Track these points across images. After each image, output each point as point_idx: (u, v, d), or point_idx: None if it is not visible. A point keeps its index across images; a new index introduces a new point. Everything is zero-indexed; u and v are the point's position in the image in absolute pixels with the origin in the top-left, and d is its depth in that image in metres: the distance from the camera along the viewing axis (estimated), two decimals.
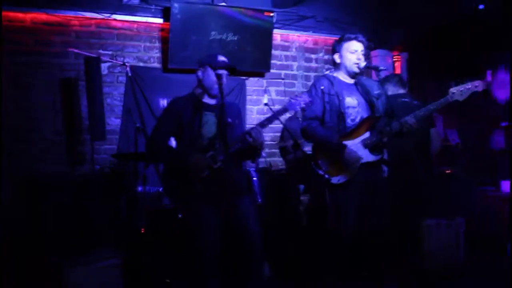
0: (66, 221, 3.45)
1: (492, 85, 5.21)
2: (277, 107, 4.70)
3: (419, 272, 3.81)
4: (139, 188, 4.19)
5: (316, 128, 3.17)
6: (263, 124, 2.94)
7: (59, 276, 3.07)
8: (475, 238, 4.25)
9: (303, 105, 2.94)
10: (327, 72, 3.49)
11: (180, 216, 3.61)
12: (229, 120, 2.99)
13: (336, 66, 3.40)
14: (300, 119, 4.85)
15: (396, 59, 5.87)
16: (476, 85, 3.14)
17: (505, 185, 4.57)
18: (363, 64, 3.23)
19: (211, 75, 3.00)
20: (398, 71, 5.86)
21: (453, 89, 3.16)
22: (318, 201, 3.72)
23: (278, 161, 5.21)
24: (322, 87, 3.25)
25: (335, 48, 3.35)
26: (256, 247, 2.98)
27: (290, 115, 5.30)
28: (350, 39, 3.26)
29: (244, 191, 3.10)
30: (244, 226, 2.96)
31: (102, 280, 3.20)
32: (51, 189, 3.63)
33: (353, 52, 3.23)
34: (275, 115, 2.96)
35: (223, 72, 2.98)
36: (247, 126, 4.54)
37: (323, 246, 3.27)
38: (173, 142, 3.12)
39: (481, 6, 4.16)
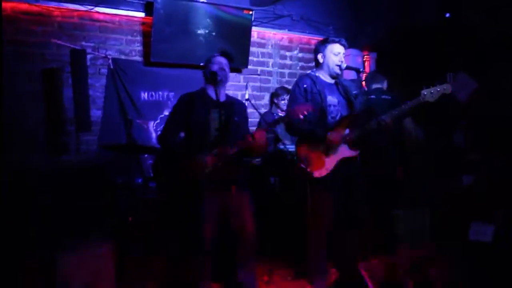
0: (53, 211, 3.53)
1: (454, 87, 5.57)
2: (255, 102, 4.93)
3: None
4: (125, 179, 4.33)
5: (302, 123, 3.39)
6: (267, 127, 3.13)
7: (51, 265, 3.16)
8: (439, 225, 4.64)
9: (305, 113, 3.12)
10: (308, 72, 3.71)
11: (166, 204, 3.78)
12: (236, 118, 3.18)
13: (318, 65, 3.63)
14: (274, 114, 5.08)
15: (365, 59, 6.17)
16: (444, 88, 3.45)
17: (466, 179, 4.98)
18: (344, 65, 3.49)
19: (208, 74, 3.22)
20: (367, 70, 6.16)
21: (424, 91, 3.45)
22: (298, 194, 3.96)
23: None
24: (305, 86, 3.47)
25: (319, 48, 3.58)
26: (251, 239, 3.18)
27: (265, 110, 5.53)
28: (334, 41, 3.50)
29: (243, 186, 3.28)
30: (241, 218, 3.16)
31: (94, 268, 3.32)
32: (37, 179, 3.69)
33: (336, 54, 3.48)
34: (278, 121, 3.16)
35: (219, 60, 3.20)
36: None
37: (303, 236, 3.51)
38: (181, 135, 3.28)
39: (447, 15, 4.50)
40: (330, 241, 3.46)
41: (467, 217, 4.63)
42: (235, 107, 3.30)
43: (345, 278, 3.37)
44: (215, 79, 3.17)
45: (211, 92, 3.24)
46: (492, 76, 5.50)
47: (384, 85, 4.62)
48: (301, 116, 3.11)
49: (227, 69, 3.29)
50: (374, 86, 4.60)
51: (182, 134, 3.33)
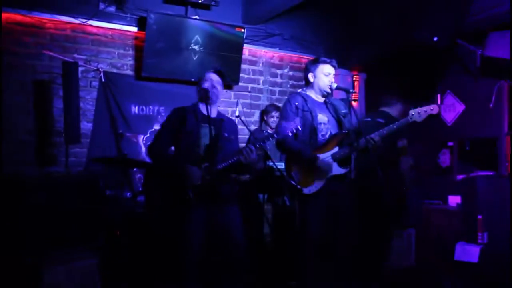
0: (41, 222, 3.49)
1: (441, 108, 5.68)
2: (245, 119, 4.97)
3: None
4: (114, 192, 4.32)
5: (292, 141, 3.43)
6: (257, 144, 3.16)
7: (37, 276, 3.15)
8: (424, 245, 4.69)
9: (294, 130, 3.16)
10: (299, 90, 3.76)
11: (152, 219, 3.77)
12: (226, 134, 3.22)
13: (308, 84, 3.69)
14: (264, 131, 5.13)
15: (355, 79, 6.27)
16: (431, 109, 3.52)
17: (452, 200, 5.03)
18: (334, 85, 3.55)
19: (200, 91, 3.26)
20: (356, 90, 6.26)
21: (412, 111, 3.53)
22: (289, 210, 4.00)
23: None
24: (296, 103, 3.52)
25: (310, 68, 3.63)
26: (239, 254, 3.18)
27: (255, 128, 5.57)
28: (325, 62, 3.56)
29: (232, 202, 3.29)
30: (228, 234, 3.16)
31: (79, 280, 3.31)
32: (26, 189, 3.66)
33: (327, 75, 3.54)
34: (268, 137, 3.19)
35: (210, 76, 3.26)
36: None
37: (292, 252, 3.52)
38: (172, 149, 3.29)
39: (435, 38, 4.61)
40: (317, 255, 3.47)
41: (452, 237, 4.69)
42: (225, 124, 3.35)
43: None
44: (207, 96, 3.21)
45: (202, 108, 3.28)
46: (478, 98, 5.62)
47: (392, 110, 4.63)
48: (290, 133, 3.14)
49: (219, 87, 3.34)
50: (381, 108, 4.67)
51: (172, 149, 3.35)
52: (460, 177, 5.34)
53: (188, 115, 3.25)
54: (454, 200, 5.03)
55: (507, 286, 3.75)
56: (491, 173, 5.16)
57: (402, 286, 3.70)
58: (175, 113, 3.31)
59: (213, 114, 3.31)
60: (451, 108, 5.96)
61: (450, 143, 5.84)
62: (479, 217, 4.68)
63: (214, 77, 3.33)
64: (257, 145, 3.13)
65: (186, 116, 3.24)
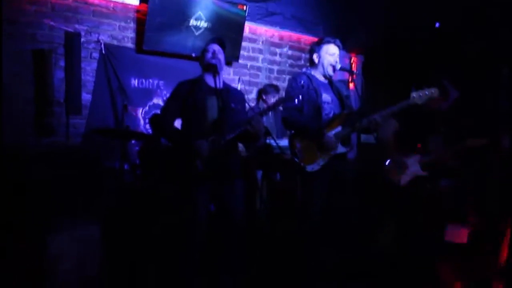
0: (44, 192, 3.50)
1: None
2: (246, 96, 4.99)
3: None
4: (113, 164, 4.35)
5: (297, 116, 3.47)
6: (263, 112, 3.19)
7: (42, 244, 3.17)
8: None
9: (300, 99, 3.21)
10: (304, 69, 3.79)
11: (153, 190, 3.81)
12: (233, 105, 3.23)
13: (312, 65, 3.72)
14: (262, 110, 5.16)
15: (353, 61, 6.32)
16: (433, 91, 3.59)
17: (444, 183, 5.15)
18: (338, 66, 3.59)
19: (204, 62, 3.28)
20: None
21: (413, 94, 3.58)
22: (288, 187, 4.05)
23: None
24: (302, 82, 3.56)
25: (314, 48, 3.66)
26: (239, 227, 3.25)
27: (253, 105, 5.60)
28: (329, 42, 3.59)
29: (237, 175, 3.32)
30: (232, 207, 3.21)
31: (82, 248, 3.34)
32: (27, 160, 3.67)
33: (332, 55, 3.58)
34: (274, 105, 3.22)
35: (212, 46, 3.29)
36: None
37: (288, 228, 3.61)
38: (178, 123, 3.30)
39: (437, 25, 4.65)
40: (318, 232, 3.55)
41: (443, 219, 4.82)
42: (232, 94, 3.34)
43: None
44: (210, 66, 3.24)
45: (208, 79, 3.29)
46: (473, 86, 5.70)
47: None
48: (297, 102, 3.19)
49: (220, 56, 3.32)
50: None
51: (178, 123, 3.37)
52: (452, 161, 5.45)
53: (194, 87, 3.25)
54: (446, 183, 5.15)
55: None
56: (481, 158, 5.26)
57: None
58: (181, 86, 3.32)
59: (219, 85, 3.31)
60: (445, 95, 6.04)
61: (443, 129, 5.93)
62: (470, 199, 4.82)
63: (215, 47, 3.33)
64: (264, 114, 3.16)
65: (191, 89, 3.25)
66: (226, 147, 3.12)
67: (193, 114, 3.18)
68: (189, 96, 3.20)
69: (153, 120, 3.33)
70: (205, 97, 3.21)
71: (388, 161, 4.17)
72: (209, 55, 3.29)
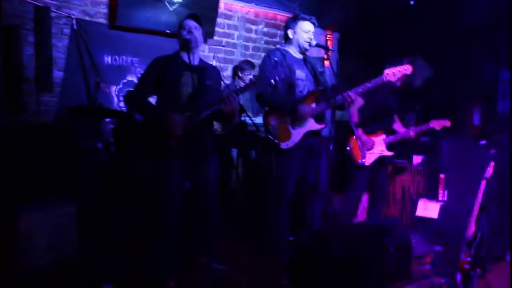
0: (16, 171, 3.45)
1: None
2: (221, 73, 4.96)
3: None
4: (87, 142, 4.29)
5: (272, 93, 3.47)
6: (239, 91, 3.18)
7: (15, 223, 3.14)
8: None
9: (273, 82, 3.20)
10: (278, 46, 3.78)
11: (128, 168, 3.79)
12: (208, 82, 3.21)
13: (287, 41, 3.71)
14: (238, 86, 5.13)
15: (328, 38, 6.31)
16: (405, 68, 3.62)
17: (416, 160, 5.27)
18: (314, 42, 3.59)
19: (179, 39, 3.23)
20: None
21: (387, 70, 3.61)
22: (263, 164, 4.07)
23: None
24: (276, 58, 3.54)
25: (289, 25, 3.65)
26: (213, 202, 3.27)
27: (229, 82, 5.56)
28: (305, 19, 3.58)
29: (212, 151, 3.32)
30: (206, 183, 3.22)
31: (56, 228, 3.32)
32: None
33: (307, 32, 3.57)
34: (250, 85, 3.21)
35: (187, 23, 3.25)
36: None
37: (268, 205, 3.64)
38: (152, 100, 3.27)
39: (412, 2, 4.66)
40: (291, 210, 3.60)
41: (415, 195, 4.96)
42: (208, 72, 3.33)
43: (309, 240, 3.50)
44: (185, 42, 3.21)
45: (184, 56, 3.26)
46: (447, 64, 5.77)
47: None
48: (273, 82, 3.18)
49: (195, 32, 3.28)
50: None
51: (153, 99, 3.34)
52: (424, 137, 5.56)
53: (169, 63, 3.22)
54: (417, 159, 5.27)
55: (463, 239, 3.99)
56: (454, 135, 5.39)
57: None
58: (156, 61, 3.28)
59: (195, 61, 3.29)
60: (420, 72, 6.11)
61: (418, 106, 6.03)
62: (442, 176, 4.94)
63: (191, 23, 3.29)
64: (239, 93, 3.16)
65: (167, 65, 3.22)
66: (200, 123, 3.11)
67: (168, 90, 3.16)
68: (164, 72, 3.17)
69: (128, 97, 3.29)
70: (180, 73, 3.19)
71: (352, 139, 4.23)
72: (184, 31, 3.26)
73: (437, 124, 4.41)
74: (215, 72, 3.44)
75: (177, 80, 3.17)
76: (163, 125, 3.05)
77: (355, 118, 4.23)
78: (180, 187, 3.16)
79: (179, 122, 3.06)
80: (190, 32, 3.24)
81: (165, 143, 3.07)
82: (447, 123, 4.41)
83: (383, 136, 4.32)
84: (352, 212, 4.38)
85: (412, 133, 4.39)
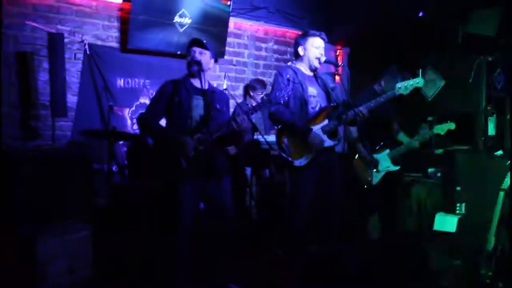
0: (33, 196, 3.45)
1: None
2: (233, 92, 5.00)
3: None
4: (101, 165, 4.34)
5: (284, 112, 3.48)
6: (249, 112, 3.20)
7: (31, 248, 3.16)
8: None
9: (286, 98, 3.23)
10: (289, 63, 3.80)
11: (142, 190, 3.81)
12: (217, 106, 3.25)
13: (298, 58, 3.73)
14: (249, 105, 5.15)
15: (338, 53, 6.33)
16: (417, 82, 3.62)
17: (431, 172, 5.21)
18: (323, 58, 3.60)
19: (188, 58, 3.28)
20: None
21: (398, 84, 3.61)
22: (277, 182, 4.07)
23: None
24: (288, 75, 3.56)
25: (299, 41, 3.67)
26: (231, 224, 3.27)
27: (241, 101, 5.59)
28: (315, 35, 3.60)
29: (224, 173, 3.34)
30: (220, 205, 3.23)
31: (72, 251, 3.35)
32: (15, 163, 3.61)
33: (317, 48, 3.59)
34: (260, 105, 3.23)
35: (193, 49, 3.27)
36: None
37: (278, 223, 3.63)
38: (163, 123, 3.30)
39: (420, 14, 4.68)
40: (309, 226, 3.58)
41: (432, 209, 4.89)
42: (217, 95, 3.38)
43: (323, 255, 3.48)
44: (191, 69, 3.28)
45: (193, 80, 3.31)
46: (458, 74, 5.75)
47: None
48: (281, 102, 3.19)
49: (202, 56, 3.30)
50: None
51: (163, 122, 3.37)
52: (438, 150, 5.51)
53: (179, 87, 3.27)
54: (433, 172, 5.21)
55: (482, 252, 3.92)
56: (468, 147, 5.34)
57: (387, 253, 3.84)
58: (166, 85, 3.33)
59: (204, 86, 3.32)
60: (432, 84, 6.10)
61: (430, 118, 5.98)
62: (458, 188, 4.87)
63: (196, 49, 3.32)
64: (250, 114, 3.18)
65: (177, 88, 3.27)
66: (211, 145, 3.13)
67: (178, 113, 3.21)
68: (174, 96, 3.22)
69: (140, 119, 3.33)
70: (190, 96, 3.24)
71: (355, 159, 4.23)
72: (190, 57, 3.30)
73: (440, 129, 4.33)
74: (224, 96, 3.49)
75: (187, 103, 3.21)
76: (175, 147, 3.08)
77: (355, 134, 4.26)
78: (191, 209, 3.17)
79: (190, 144, 3.09)
80: (195, 58, 3.28)
81: (177, 165, 3.09)
82: (451, 126, 4.34)
83: (387, 151, 4.31)
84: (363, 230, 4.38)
85: (416, 142, 4.36)
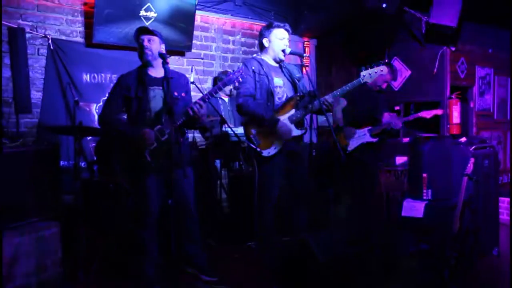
0: None
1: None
2: (201, 86, 4.97)
3: None
4: (68, 162, 4.28)
5: (252, 104, 3.50)
6: (205, 98, 3.20)
7: None
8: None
9: (239, 79, 3.22)
10: (254, 55, 3.81)
11: (111, 186, 3.78)
12: (175, 94, 3.22)
13: (263, 49, 3.75)
14: (218, 97, 5.16)
15: (306, 45, 6.38)
16: (381, 70, 3.68)
17: (399, 160, 5.32)
18: (288, 50, 3.63)
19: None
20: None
21: (363, 72, 3.67)
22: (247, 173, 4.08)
23: (197, 136, 5.44)
24: (253, 67, 3.58)
25: (264, 33, 3.69)
26: (190, 208, 3.29)
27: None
28: (279, 27, 3.62)
29: (187, 163, 3.33)
30: (181, 193, 3.22)
31: (41, 249, 3.29)
32: None
33: (281, 39, 3.61)
34: (216, 89, 3.23)
35: (141, 38, 3.27)
36: None
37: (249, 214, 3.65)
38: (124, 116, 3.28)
39: (384, 5, 4.76)
40: (277, 215, 3.62)
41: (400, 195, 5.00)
42: (174, 82, 3.23)
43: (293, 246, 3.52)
44: (141, 57, 3.27)
45: (148, 69, 3.27)
46: (424, 64, 5.88)
47: None
48: (236, 83, 3.23)
49: (152, 44, 3.27)
50: None
51: (124, 116, 3.35)
52: (406, 139, 5.63)
53: (134, 79, 3.24)
54: (401, 160, 5.32)
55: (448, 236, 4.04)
56: (434, 135, 5.46)
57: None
58: (121, 79, 3.30)
59: (159, 74, 3.28)
60: (398, 74, 6.21)
61: (397, 107, 6.12)
62: (424, 175, 4.99)
63: (143, 37, 3.29)
64: (206, 99, 3.18)
65: (132, 81, 3.23)
66: (173, 136, 3.11)
67: (137, 106, 3.19)
68: (130, 89, 3.18)
69: (100, 118, 3.30)
70: (146, 88, 3.20)
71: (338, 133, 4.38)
72: (140, 47, 3.28)
73: (427, 114, 4.53)
74: (182, 79, 3.44)
75: (143, 96, 3.19)
76: (136, 140, 3.06)
77: (339, 115, 4.39)
78: (159, 201, 3.17)
79: (151, 136, 3.07)
80: (145, 46, 3.26)
81: (141, 158, 3.07)
82: (439, 112, 4.55)
83: (369, 127, 4.50)
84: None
85: (398, 122, 4.53)
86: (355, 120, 4.58)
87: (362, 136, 4.54)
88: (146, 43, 3.24)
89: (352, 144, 4.53)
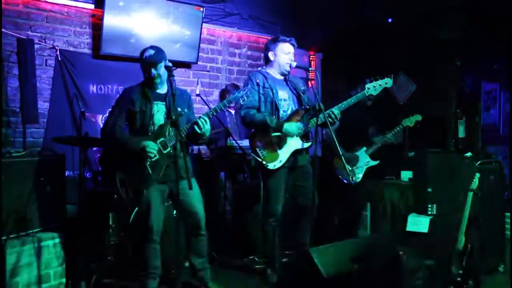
0: (3, 204, 3.40)
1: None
2: (206, 98, 5.00)
3: None
4: (73, 172, 4.29)
5: (254, 114, 3.52)
6: (209, 114, 3.21)
7: (1, 257, 3.10)
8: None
9: (245, 98, 3.23)
10: (259, 68, 3.83)
11: (115, 197, 3.78)
12: (179, 109, 3.23)
13: (268, 63, 3.77)
14: (224, 110, 5.17)
15: (312, 58, 6.41)
16: (386, 82, 3.72)
17: (404, 175, 5.29)
18: (294, 64, 3.65)
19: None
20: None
21: (368, 85, 3.70)
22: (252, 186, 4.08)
23: (202, 148, 5.44)
24: (257, 81, 3.60)
25: (270, 47, 3.71)
26: (200, 225, 3.27)
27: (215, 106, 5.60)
28: (285, 41, 3.65)
29: (191, 175, 3.31)
30: (190, 206, 3.22)
31: (45, 259, 3.31)
32: None
33: (287, 53, 3.63)
34: (221, 106, 3.25)
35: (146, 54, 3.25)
36: None
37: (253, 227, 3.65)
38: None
39: (390, 20, 4.77)
40: (282, 227, 3.61)
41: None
42: (177, 97, 3.22)
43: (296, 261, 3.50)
44: (150, 79, 3.25)
45: (154, 85, 3.29)
46: (429, 78, 5.87)
47: None
48: (241, 101, 3.23)
49: (158, 71, 3.24)
50: None
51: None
52: (412, 153, 5.60)
53: (139, 94, 3.24)
54: (406, 175, 5.29)
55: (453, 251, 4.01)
56: (439, 150, 5.43)
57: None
58: (125, 93, 3.31)
59: (163, 90, 3.31)
60: (403, 88, 6.22)
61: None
62: (429, 190, 4.96)
63: (151, 51, 3.26)
64: (210, 114, 3.19)
65: (136, 95, 3.24)
66: (177, 149, 3.11)
67: (140, 120, 3.19)
68: (133, 103, 3.20)
69: (103, 131, 3.32)
70: (150, 102, 3.21)
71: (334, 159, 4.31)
72: (152, 78, 3.26)
73: (409, 121, 4.49)
74: (184, 96, 3.45)
75: (147, 110, 3.20)
76: (138, 152, 3.08)
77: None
78: (160, 214, 3.18)
79: (153, 148, 3.08)
80: (154, 77, 3.23)
81: (142, 171, 3.09)
82: (418, 118, 4.49)
83: (364, 148, 4.42)
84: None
85: (389, 135, 4.47)
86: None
87: (363, 160, 4.42)
88: (154, 71, 3.23)
89: (359, 174, 4.37)
